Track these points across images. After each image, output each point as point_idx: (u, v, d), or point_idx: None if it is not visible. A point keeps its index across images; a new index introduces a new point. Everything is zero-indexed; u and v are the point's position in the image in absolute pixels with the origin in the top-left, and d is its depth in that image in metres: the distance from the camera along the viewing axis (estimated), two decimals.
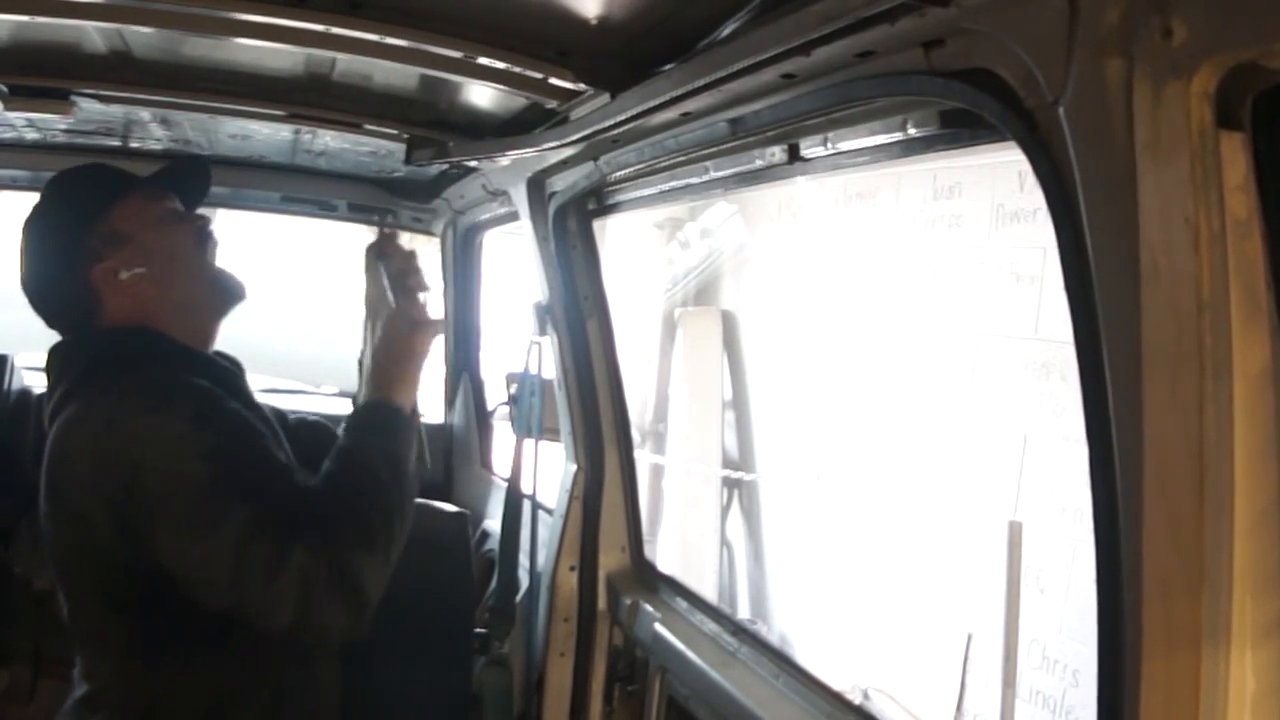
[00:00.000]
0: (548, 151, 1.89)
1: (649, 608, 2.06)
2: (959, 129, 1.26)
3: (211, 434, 1.37)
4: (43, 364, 1.59)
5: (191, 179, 1.68)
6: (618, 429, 2.31)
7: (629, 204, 2.20)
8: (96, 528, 1.38)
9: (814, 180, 4.19)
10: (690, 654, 1.84)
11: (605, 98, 1.59)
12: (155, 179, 1.64)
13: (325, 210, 3.14)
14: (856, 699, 3.77)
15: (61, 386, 1.51)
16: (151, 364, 1.49)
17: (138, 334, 1.53)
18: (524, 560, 2.44)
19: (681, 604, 2.11)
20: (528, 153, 1.95)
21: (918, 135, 1.33)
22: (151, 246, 1.55)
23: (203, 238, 1.60)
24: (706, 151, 1.72)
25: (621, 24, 1.44)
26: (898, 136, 1.38)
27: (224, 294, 1.61)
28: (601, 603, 2.28)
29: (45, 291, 1.58)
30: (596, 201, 2.23)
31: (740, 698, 1.69)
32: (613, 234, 5.26)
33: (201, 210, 1.67)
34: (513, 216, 2.45)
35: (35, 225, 1.59)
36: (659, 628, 1.98)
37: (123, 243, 1.54)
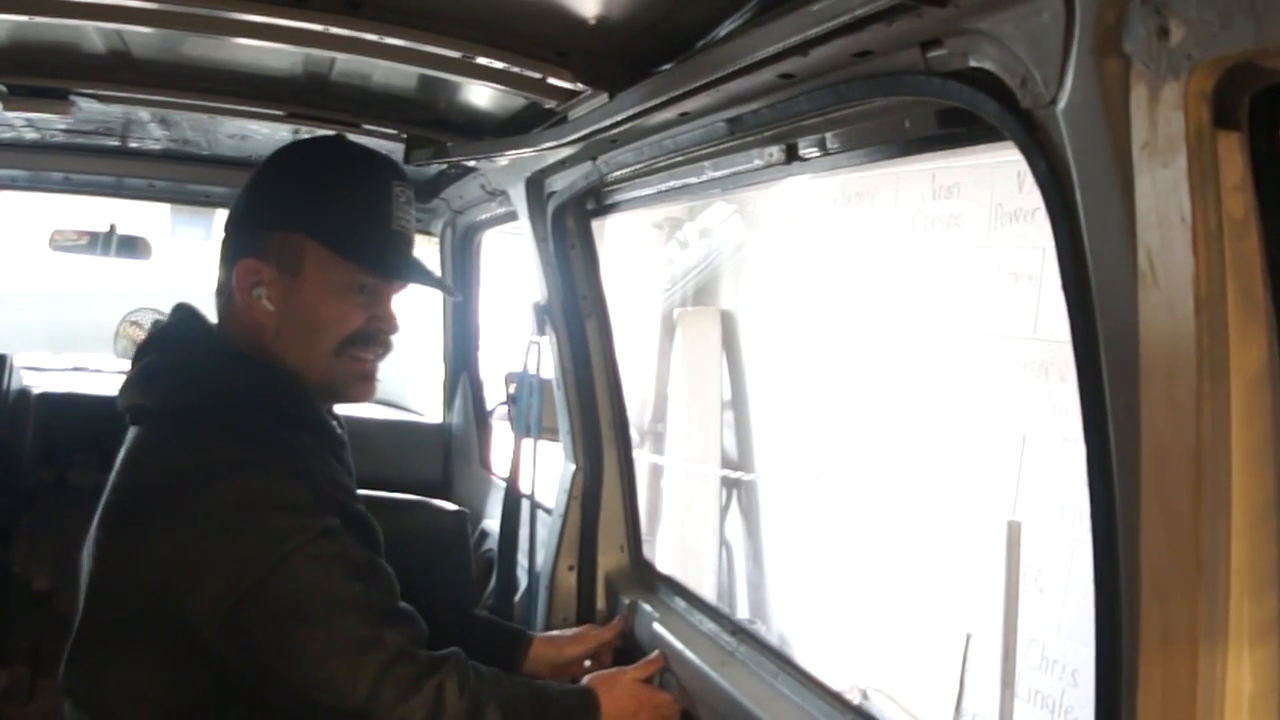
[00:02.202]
0: (546, 151, 1.89)
1: (647, 607, 2.06)
2: (957, 129, 1.26)
3: (353, 548, 1.36)
4: (42, 364, 1.57)
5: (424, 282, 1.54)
6: (616, 429, 2.31)
7: (628, 204, 2.20)
8: (188, 601, 1.29)
9: (813, 180, 4.19)
10: (689, 653, 1.84)
11: (604, 97, 1.59)
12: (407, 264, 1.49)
13: None
14: (855, 699, 3.77)
15: (156, 401, 1.41)
16: (271, 420, 1.39)
17: (257, 369, 1.43)
18: (522, 560, 2.44)
19: (680, 603, 2.11)
20: (526, 153, 1.95)
21: (915, 135, 1.33)
22: (302, 298, 1.42)
23: (366, 337, 1.45)
24: (705, 151, 1.72)
25: (620, 24, 1.44)
26: (896, 137, 1.38)
27: (331, 393, 1.49)
28: (600, 602, 2.28)
29: (228, 229, 1.48)
30: (595, 201, 2.23)
31: (739, 697, 1.70)
32: (611, 234, 5.26)
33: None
34: (511, 216, 2.45)
35: (279, 169, 1.48)
36: (657, 627, 1.98)
37: (286, 269, 1.41)
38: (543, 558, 2.36)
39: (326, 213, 1.43)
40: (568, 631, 2.00)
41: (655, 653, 1.83)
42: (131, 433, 1.44)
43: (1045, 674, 3.51)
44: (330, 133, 1.68)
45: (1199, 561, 0.82)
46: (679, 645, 1.88)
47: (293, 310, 1.42)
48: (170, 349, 1.48)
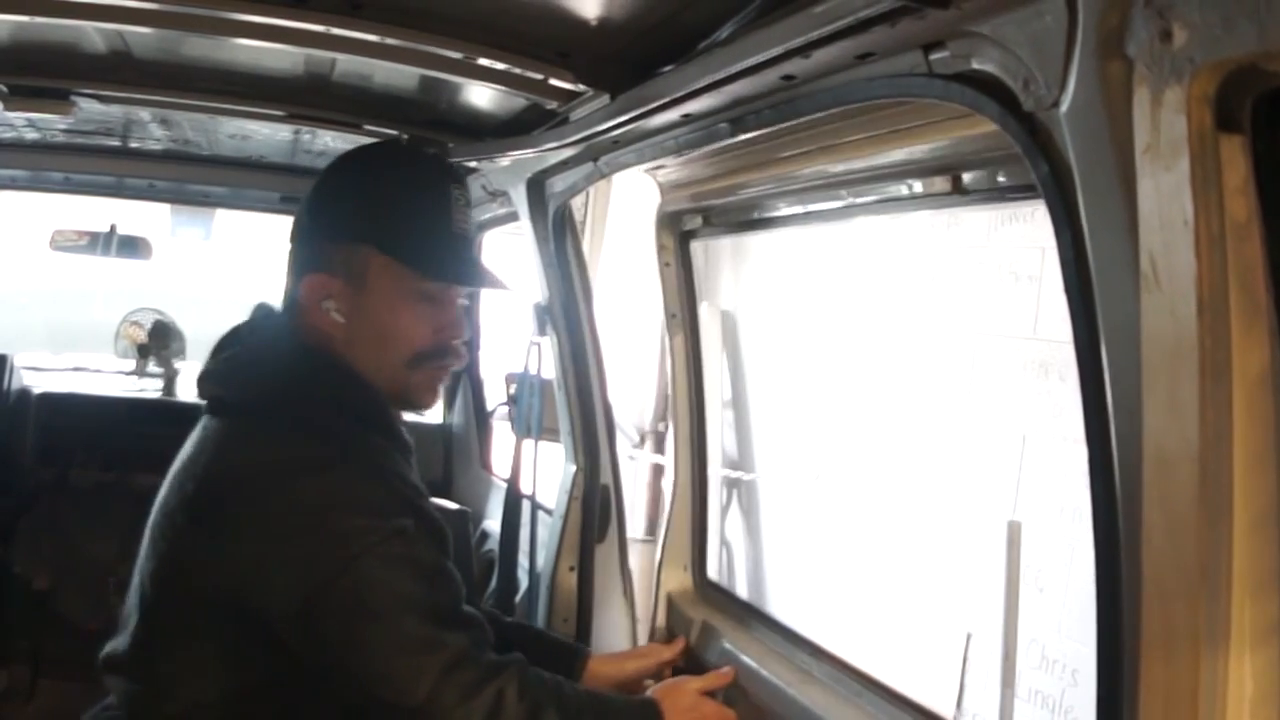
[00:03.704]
0: (547, 152, 1.89)
1: (714, 626, 2.05)
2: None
3: (423, 550, 1.38)
4: (42, 364, 1.57)
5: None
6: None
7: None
8: (261, 594, 1.32)
9: None
10: (763, 671, 1.83)
11: (605, 98, 1.59)
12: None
13: None
14: None
15: (236, 394, 1.44)
16: (348, 420, 1.42)
17: (335, 371, 1.45)
18: (523, 560, 2.44)
19: (750, 623, 2.09)
20: (527, 153, 1.95)
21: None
22: (371, 310, 1.45)
23: (439, 351, 1.48)
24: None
25: (621, 25, 1.44)
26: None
27: (401, 402, 1.52)
28: (660, 620, 2.27)
29: (293, 240, 1.49)
30: None
31: (819, 714, 1.68)
32: (610, 232, 5.25)
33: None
34: (512, 217, 2.45)
35: (339, 179, 1.50)
36: (727, 646, 1.96)
37: (353, 281, 1.44)
38: (543, 558, 2.36)
39: (389, 222, 1.44)
40: (630, 650, 1.98)
41: (726, 668, 1.80)
42: (207, 422, 1.46)
43: (1045, 674, 3.51)
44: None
45: (1201, 564, 0.82)
46: (751, 663, 1.85)
47: (362, 322, 1.45)
48: (252, 344, 1.50)
